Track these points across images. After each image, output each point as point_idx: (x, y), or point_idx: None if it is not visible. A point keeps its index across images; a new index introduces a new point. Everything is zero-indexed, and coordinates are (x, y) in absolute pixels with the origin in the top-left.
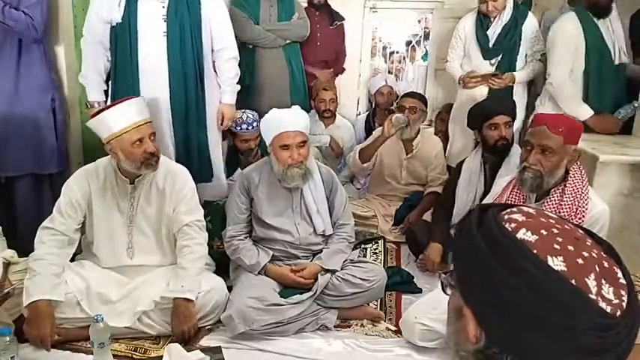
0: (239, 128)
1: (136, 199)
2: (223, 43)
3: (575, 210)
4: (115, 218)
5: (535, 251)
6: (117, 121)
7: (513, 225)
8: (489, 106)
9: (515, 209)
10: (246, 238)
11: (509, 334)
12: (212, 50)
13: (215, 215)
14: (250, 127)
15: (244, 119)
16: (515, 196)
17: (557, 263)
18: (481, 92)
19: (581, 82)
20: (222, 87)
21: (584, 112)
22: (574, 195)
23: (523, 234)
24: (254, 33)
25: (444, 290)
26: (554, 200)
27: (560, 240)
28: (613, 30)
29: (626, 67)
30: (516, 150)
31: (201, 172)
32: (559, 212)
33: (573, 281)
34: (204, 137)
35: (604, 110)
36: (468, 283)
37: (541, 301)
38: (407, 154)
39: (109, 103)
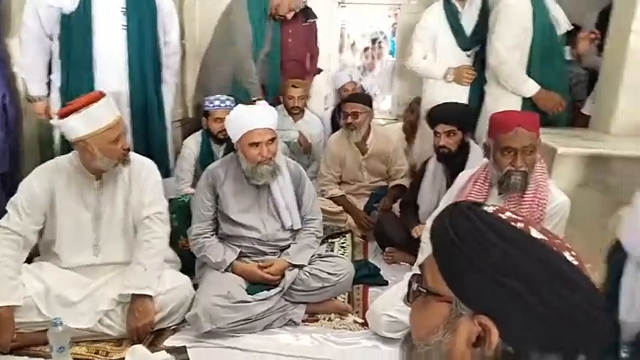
0: (212, 105)
1: (103, 194)
2: (170, 37)
3: (537, 202)
4: (81, 215)
5: (520, 225)
6: (90, 123)
7: (492, 209)
8: (433, 113)
9: (484, 206)
10: (212, 235)
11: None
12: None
13: (180, 212)
14: (223, 105)
15: (218, 97)
16: (478, 190)
17: (538, 235)
18: (461, 90)
19: (526, 59)
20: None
21: (531, 88)
22: (535, 187)
23: (507, 216)
24: (244, 64)
25: (408, 300)
26: (517, 193)
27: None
28: None
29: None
30: (474, 147)
31: (161, 167)
32: (521, 204)
33: (555, 249)
34: (163, 132)
35: (547, 87)
36: (471, 280)
37: (542, 268)
38: (363, 155)
39: (54, 96)
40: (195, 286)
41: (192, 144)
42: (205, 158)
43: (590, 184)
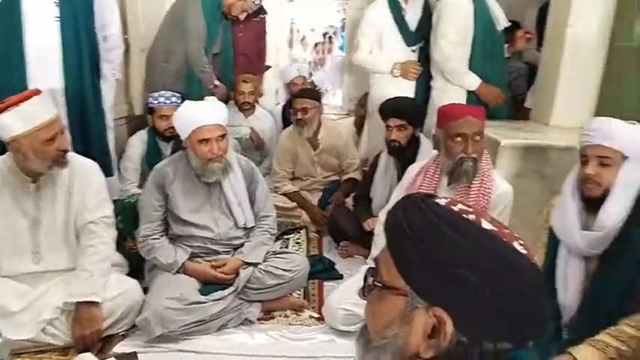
0: (157, 102)
1: (41, 198)
2: (111, 30)
3: (483, 191)
4: (16, 221)
5: (472, 217)
6: (23, 121)
7: (445, 201)
8: (385, 107)
9: (437, 198)
10: (161, 236)
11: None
12: None
13: (126, 214)
14: (169, 101)
15: (162, 93)
16: (428, 182)
17: (489, 226)
18: (408, 85)
19: (469, 54)
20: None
21: (473, 82)
22: (481, 177)
23: (459, 208)
24: (196, 56)
25: (364, 294)
26: (464, 183)
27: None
28: None
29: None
30: (424, 141)
31: (102, 167)
32: (469, 194)
33: (505, 239)
34: (103, 129)
35: (488, 81)
36: (421, 268)
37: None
38: (315, 150)
39: None
40: (145, 290)
41: (138, 142)
42: (152, 157)
43: (530, 174)
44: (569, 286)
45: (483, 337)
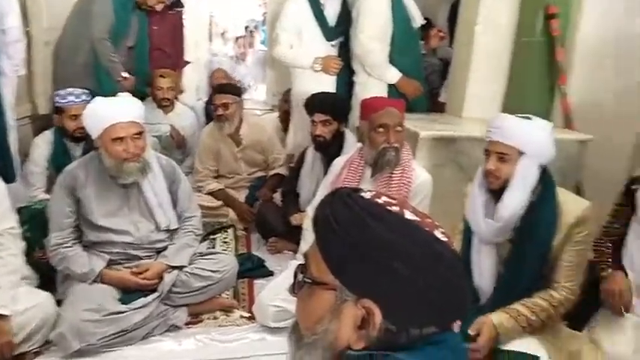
0: (65, 101)
1: None
2: (8, 22)
3: (404, 181)
4: None
5: (396, 208)
6: None
7: (369, 194)
8: (310, 102)
9: (362, 192)
10: (74, 244)
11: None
12: None
13: (33, 222)
14: (79, 100)
15: (71, 91)
16: (353, 174)
17: (412, 216)
18: (329, 80)
19: (388, 49)
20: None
21: (394, 75)
22: (402, 167)
23: (383, 200)
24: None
25: (294, 291)
26: (386, 173)
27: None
28: None
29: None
30: (350, 136)
31: (3, 172)
32: (391, 184)
33: (427, 228)
34: (2, 129)
35: (406, 75)
36: (353, 261)
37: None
38: (238, 147)
39: None
40: (59, 303)
41: (43, 143)
42: (60, 159)
43: (448, 163)
44: (483, 270)
45: (411, 323)
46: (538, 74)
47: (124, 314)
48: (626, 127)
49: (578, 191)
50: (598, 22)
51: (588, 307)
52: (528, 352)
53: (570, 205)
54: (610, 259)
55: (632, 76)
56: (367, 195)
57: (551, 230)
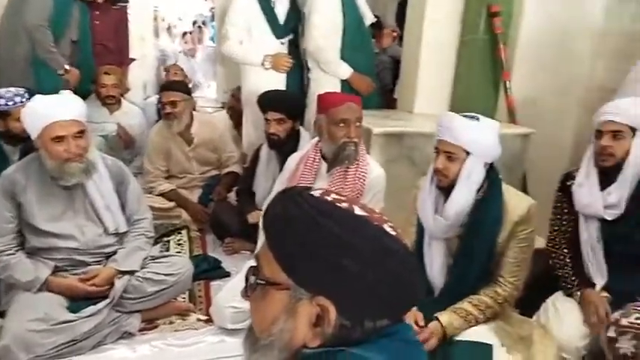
0: (12, 103)
1: None
2: None
3: (360, 175)
4: None
5: (345, 205)
6: None
7: (319, 192)
8: (263, 100)
9: (311, 190)
10: (17, 251)
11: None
12: None
13: None
14: (25, 100)
15: (14, 91)
16: (309, 169)
17: (361, 212)
18: (279, 78)
19: (339, 45)
20: None
21: (345, 71)
22: (357, 163)
23: (332, 197)
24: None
25: (247, 294)
26: (342, 168)
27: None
28: None
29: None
30: (305, 135)
31: None
32: (346, 178)
33: (376, 223)
34: None
35: (359, 71)
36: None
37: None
38: (189, 145)
39: None
40: (3, 314)
41: None
42: None
43: (401, 159)
44: (434, 264)
45: (365, 317)
46: (482, 71)
47: (73, 323)
48: (566, 122)
49: (524, 184)
50: (539, 19)
51: (538, 293)
52: (481, 341)
53: (514, 203)
54: (574, 278)
55: (571, 72)
56: (316, 193)
57: (497, 227)
